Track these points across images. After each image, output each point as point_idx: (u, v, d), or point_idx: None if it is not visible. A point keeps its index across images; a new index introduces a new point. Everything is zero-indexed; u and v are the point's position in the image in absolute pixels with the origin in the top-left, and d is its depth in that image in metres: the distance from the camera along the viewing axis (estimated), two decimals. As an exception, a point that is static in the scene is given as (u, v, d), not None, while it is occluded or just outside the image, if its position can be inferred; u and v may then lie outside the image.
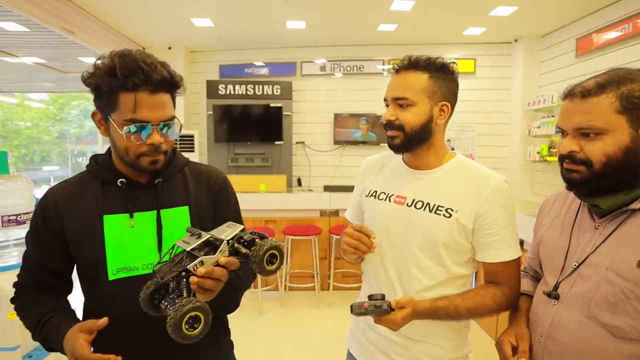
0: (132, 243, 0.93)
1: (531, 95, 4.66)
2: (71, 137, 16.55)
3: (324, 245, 3.86)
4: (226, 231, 0.81)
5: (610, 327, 0.78)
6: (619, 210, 0.82)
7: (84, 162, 17.03)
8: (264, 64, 5.38)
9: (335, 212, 3.91)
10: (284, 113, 5.13)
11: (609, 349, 0.78)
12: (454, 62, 1.05)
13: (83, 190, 0.96)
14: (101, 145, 6.10)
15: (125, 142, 0.88)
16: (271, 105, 5.12)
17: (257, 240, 0.82)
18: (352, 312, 0.93)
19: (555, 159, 4.09)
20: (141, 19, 4.26)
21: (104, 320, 0.86)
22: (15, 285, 0.99)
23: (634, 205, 0.80)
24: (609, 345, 0.78)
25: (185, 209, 0.99)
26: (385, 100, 1.06)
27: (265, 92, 5.19)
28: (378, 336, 1.08)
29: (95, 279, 0.93)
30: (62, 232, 0.93)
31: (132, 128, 0.86)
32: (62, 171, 10.14)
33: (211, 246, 0.79)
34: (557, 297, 0.87)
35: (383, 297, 0.92)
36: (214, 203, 1.04)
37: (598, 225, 0.85)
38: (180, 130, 0.96)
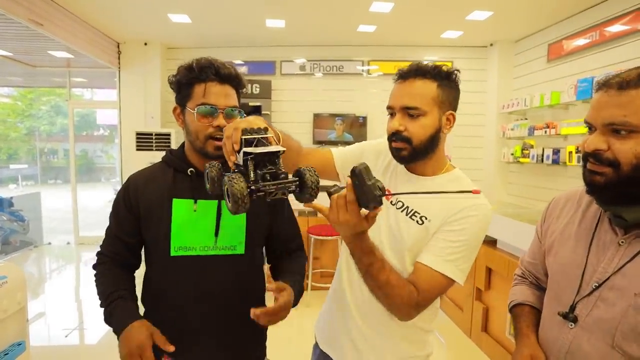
0: (193, 226, 1.05)
1: (505, 98, 4.80)
2: (41, 134, 15.88)
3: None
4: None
5: (638, 359, 0.70)
6: None
7: (55, 160, 16.40)
8: (243, 63, 5.31)
9: (314, 212, 3.90)
10: (263, 112, 5.08)
11: None
12: (458, 70, 1.00)
13: (158, 176, 1.11)
14: (73, 143, 5.87)
15: (196, 123, 1.02)
16: (250, 104, 5.07)
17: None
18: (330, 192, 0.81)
19: (528, 160, 4.23)
20: (115, 12, 4.13)
21: (172, 347, 0.99)
22: (97, 254, 1.15)
23: None
24: None
25: None
26: (390, 108, 1.00)
27: (244, 91, 5.12)
28: (349, 326, 1.08)
29: (158, 253, 1.06)
30: (137, 209, 1.08)
31: (202, 109, 1.01)
32: (30, 169, 9.73)
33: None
34: (574, 320, 0.78)
35: (337, 187, 0.81)
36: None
37: (622, 242, 0.75)
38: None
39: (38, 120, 15.66)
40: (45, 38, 4.06)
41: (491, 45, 5.03)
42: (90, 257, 5.38)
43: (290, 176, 0.77)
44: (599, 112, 0.73)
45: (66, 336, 3.05)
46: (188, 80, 1.03)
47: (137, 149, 4.67)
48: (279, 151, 0.75)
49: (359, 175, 0.74)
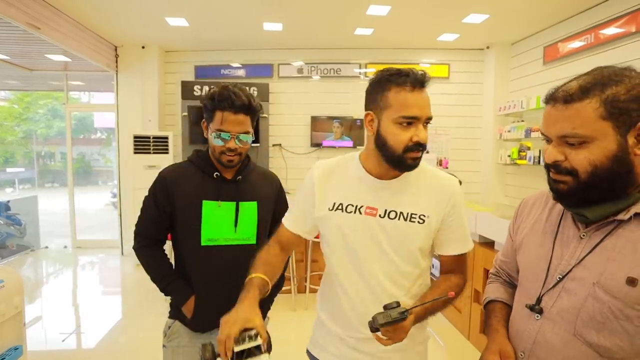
0: (217, 222, 1.34)
1: (502, 101, 4.82)
2: (38, 137, 15.82)
3: (301, 248, 3.84)
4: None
5: (597, 346, 0.73)
6: (605, 221, 0.76)
7: (52, 164, 16.33)
8: (240, 66, 5.33)
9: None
10: (261, 115, 5.08)
11: None
12: None
13: (189, 175, 1.37)
14: (70, 146, 5.85)
15: (213, 143, 1.32)
16: (248, 106, 5.07)
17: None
18: (374, 324, 0.88)
19: (525, 162, 4.25)
20: (113, 16, 4.14)
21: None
22: (135, 235, 1.41)
23: (621, 216, 0.74)
24: None
25: (254, 203, 1.39)
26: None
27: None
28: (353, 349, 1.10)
29: (191, 243, 1.34)
30: (172, 204, 1.35)
31: (218, 134, 1.29)
32: (27, 172, 9.69)
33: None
34: (540, 312, 0.82)
35: (398, 304, 0.89)
36: (275, 200, 1.47)
37: (583, 235, 0.79)
38: (252, 140, 1.37)
39: (35, 124, 15.61)
40: (42, 41, 4.05)
41: (487, 47, 5.06)
42: (87, 260, 5.36)
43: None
44: (551, 125, 0.77)
45: (63, 340, 3.03)
46: (211, 106, 1.31)
47: (135, 152, 4.65)
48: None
49: (384, 322, 0.87)
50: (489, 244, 2.83)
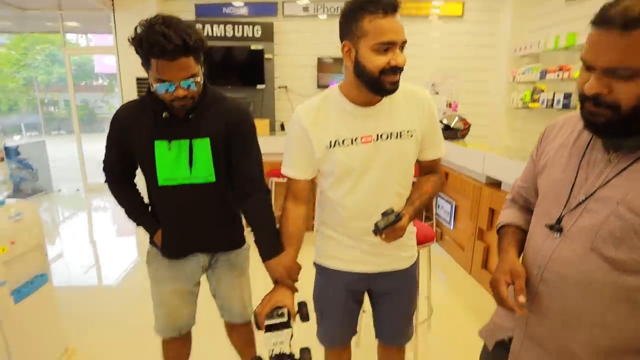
0: (171, 162, 1.28)
1: (518, 41, 4.59)
2: (39, 84, 15.59)
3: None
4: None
5: (613, 260, 0.73)
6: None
7: (56, 111, 16.22)
8: (243, 4, 5.06)
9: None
10: (266, 56, 4.92)
11: (609, 281, 0.74)
12: None
13: (140, 115, 1.28)
14: (72, 92, 5.78)
15: (160, 93, 1.17)
16: (252, 47, 4.90)
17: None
18: (377, 230, 1.06)
19: (538, 105, 4.14)
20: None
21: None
22: (104, 170, 1.41)
23: None
24: (609, 277, 0.74)
25: (207, 140, 1.28)
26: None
27: (245, 34, 4.93)
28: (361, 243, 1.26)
29: (150, 183, 1.32)
30: (127, 144, 1.29)
31: (160, 86, 1.14)
32: (32, 118, 9.66)
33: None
34: (559, 231, 0.81)
35: (393, 210, 1.07)
36: (229, 137, 1.30)
37: (612, 159, 0.76)
38: (201, 80, 1.21)
39: (35, 70, 15.30)
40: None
41: (506, -19, 4.72)
42: (100, 203, 5.51)
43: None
44: (599, 54, 0.67)
45: (85, 273, 3.22)
46: (142, 53, 1.12)
47: (139, 95, 4.57)
48: (290, 335, 1.06)
49: (385, 226, 1.06)
50: (495, 184, 2.84)
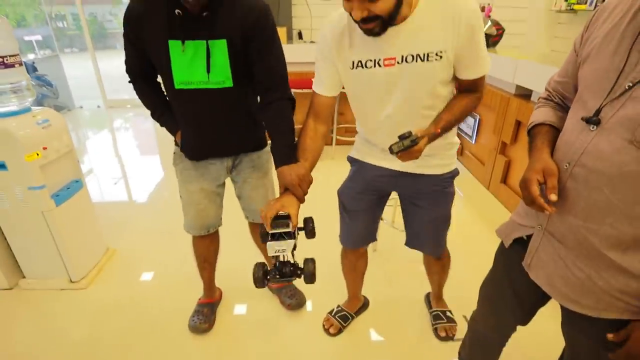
0: (187, 64, 1.22)
1: None
2: (44, -4, 14.82)
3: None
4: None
5: None
6: None
7: (65, 27, 15.66)
8: None
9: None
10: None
11: None
12: None
13: (154, 10, 1.19)
14: (81, 5, 5.49)
15: None
16: None
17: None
18: (393, 150, 1.03)
19: (585, 7, 3.71)
20: None
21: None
22: (127, 71, 1.38)
23: None
24: None
25: (224, 42, 1.20)
26: None
27: None
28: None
29: (168, 85, 1.29)
30: (142, 41, 1.24)
31: None
32: (43, 30, 9.40)
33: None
34: (597, 123, 0.75)
35: (410, 133, 1.02)
36: (247, 37, 1.22)
37: None
38: None
39: (38, -19, 14.45)
40: None
41: None
42: (121, 120, 5.59)
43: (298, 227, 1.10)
44: None
45: (115, 183, 3.39)
46: None
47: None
48: (293, 246, 1.04)
49: (398, 151, 1.03)
50: (524, 95, 2.69)
